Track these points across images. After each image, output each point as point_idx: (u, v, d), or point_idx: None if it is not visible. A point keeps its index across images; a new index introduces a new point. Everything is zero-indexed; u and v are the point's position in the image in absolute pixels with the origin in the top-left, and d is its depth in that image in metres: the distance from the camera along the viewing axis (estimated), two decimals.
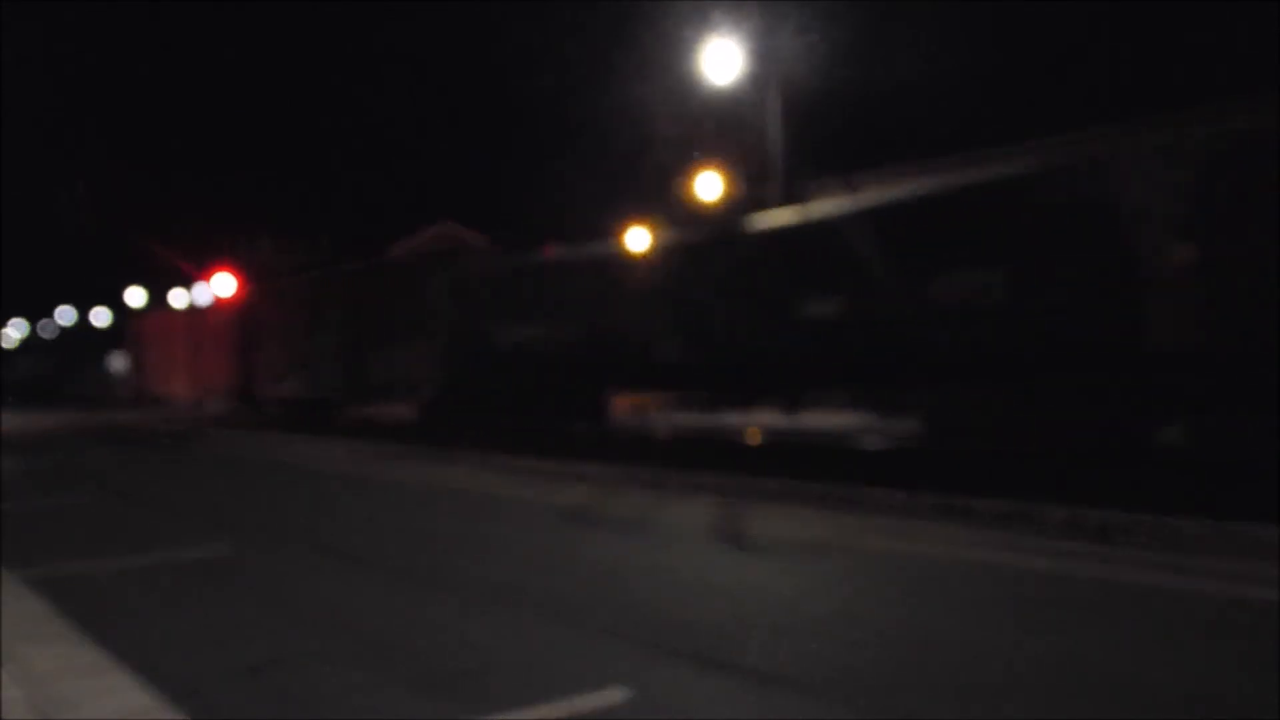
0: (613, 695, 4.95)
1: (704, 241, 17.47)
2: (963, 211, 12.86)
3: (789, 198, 26.00)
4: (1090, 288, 11.37)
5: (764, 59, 25.14)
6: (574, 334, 18.42)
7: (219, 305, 39.87)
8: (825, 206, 15.95)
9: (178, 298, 50.28)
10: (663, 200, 39.01)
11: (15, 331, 70.21)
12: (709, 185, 37.21)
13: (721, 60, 24.96)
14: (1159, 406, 11.02)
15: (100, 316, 65.82)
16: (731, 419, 18.80)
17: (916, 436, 13.77)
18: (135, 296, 64.96)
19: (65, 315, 76.17)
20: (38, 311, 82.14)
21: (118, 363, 51.02)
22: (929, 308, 12.61)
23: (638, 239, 19.48)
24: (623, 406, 20.99)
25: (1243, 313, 10.37)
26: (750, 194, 35.19)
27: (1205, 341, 10.65)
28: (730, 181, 37.19)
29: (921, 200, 14.11)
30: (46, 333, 70.64)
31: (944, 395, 13.04)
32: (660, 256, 17.62)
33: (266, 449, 21.79)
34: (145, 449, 23.74)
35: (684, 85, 28.42)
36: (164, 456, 21.60)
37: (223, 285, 41.40)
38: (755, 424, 18.52)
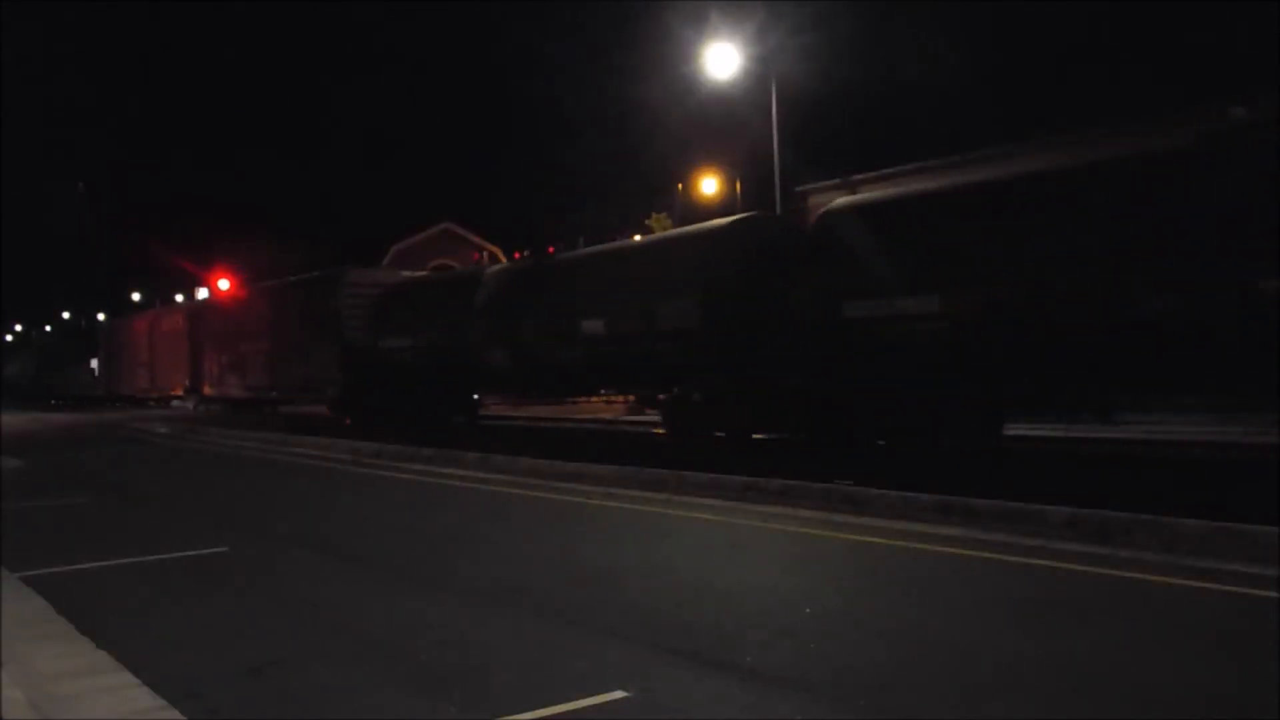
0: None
1: (521, 270, 21.88)
2: (668, 256, 17.60)
3: (787, 197, 26.06)
4: (756, 317, 15.12)
5: (762, 61, 25.16)
6: (441, 344, 22.16)
7: (174, 313, 44.39)
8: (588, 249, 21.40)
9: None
10: (661, 200, 39.10)
11: None
12: (707, 185, 37.31)
13: (720, 62, 25.00)
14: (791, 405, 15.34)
15: (79, 319, 66.82)
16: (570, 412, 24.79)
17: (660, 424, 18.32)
18: (132, 298, 65.46)
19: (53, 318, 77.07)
20: (37, 312, 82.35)
21: (94, 364, 53.77)
22: (655, 328, 16.38)
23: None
24: (488, 404, 25.89)
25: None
26: (748, 194, 35.23)
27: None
28: (727, 181, 37.28)
29: (645, 245, 19.65)
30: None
31: (683, 391, 17.45)
32: (494, 281, 21.51)
33: (233, 445, 21.82)
34: (129, 447, 23.76)
35: (683, 88, 28.44)
36: (148, 454, 21.59)
37: (217, 286, 43.18)
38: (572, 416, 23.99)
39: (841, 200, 15.63)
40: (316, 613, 7.00)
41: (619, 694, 4.97)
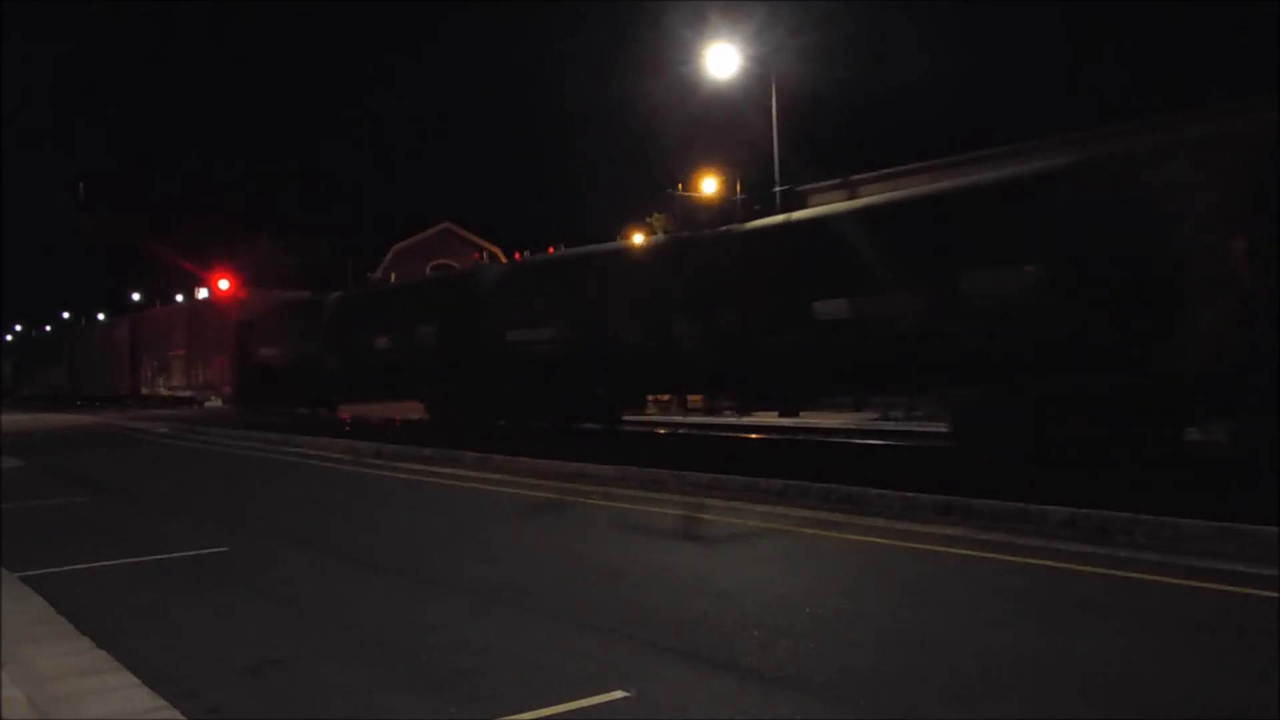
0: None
1: (346, 298, 29.07)
2: (425, 294, 25.29)
3: (787, 197, 26.06)
4: (466, 340, 21.37)
5: (762, 61, 25.15)
6: (298, 354, 28.76)
7: (121, 323, 53.81)
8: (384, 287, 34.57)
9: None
10: (662, 200, 39.07)
11: None
12: (707, 185, 37.28)
13: (720, 62, 24.99)
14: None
15: (77, 320, 69.05)
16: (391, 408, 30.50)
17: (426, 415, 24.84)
18: (132, 298, 66.13)
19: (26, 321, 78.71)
20: (37, 313, 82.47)
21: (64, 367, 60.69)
22: (414, 345, 23.16)
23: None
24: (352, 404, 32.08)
25: None
26: (748, 194, 35.18)
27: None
28: (728, 182, 37.25)
29: (413, 283, 29.57)
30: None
31: (433, 391, 23.80)
32: (332, 305, 27.98)
33: (233, 445, 21.83)
34: (128, 446, 23.76)
35: (683, 88, 28.43)
36: (148, 453, 21.59)
37: (225, 284, 46.28)
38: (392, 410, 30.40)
39: (511, 262, 23.74)
40: (317, 613, 7.00)
41: (619, 694, 4.97)
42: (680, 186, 39.34)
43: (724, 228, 17.52)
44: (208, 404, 39.55)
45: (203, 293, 50.11)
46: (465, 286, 23.02)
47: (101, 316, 66.45)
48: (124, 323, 52.99)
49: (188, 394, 41.06)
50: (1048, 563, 7.63)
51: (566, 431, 19.54)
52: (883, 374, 14.38)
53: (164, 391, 43.95)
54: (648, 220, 37.39)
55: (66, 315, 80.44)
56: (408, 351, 23.49)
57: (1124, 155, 12.03)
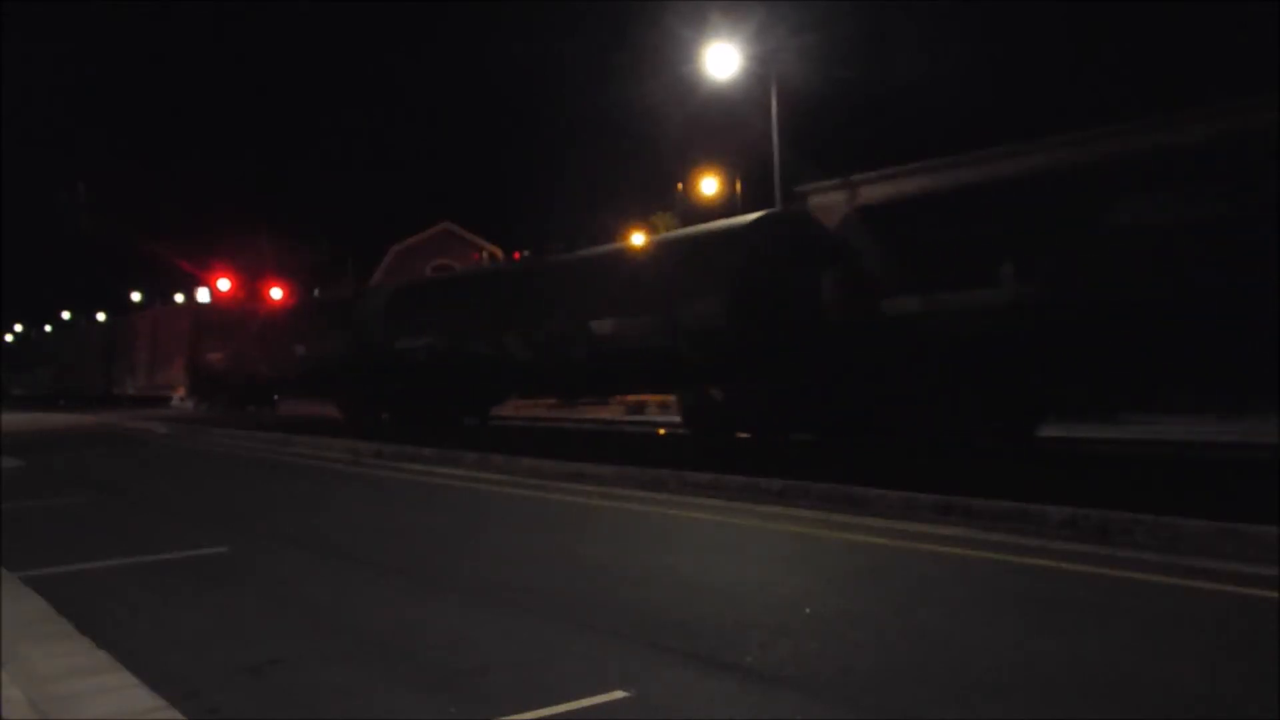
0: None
1: (283, 310, 33.87)
2: (338, 311, 28.91)
3: (787, 197, 26.05)
4: (363, 351, 25.69)
5: (762, 61, 25.12)
6: (240, 357, 32.77)
7: (96, 327, 60.96)
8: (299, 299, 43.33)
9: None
10: (662, 200, 39.08)
11: None
12: (707, 185, 37.27)
13: (720, 62, 24.96)
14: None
15: (80, 318, 71.60)
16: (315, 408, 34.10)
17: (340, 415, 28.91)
18: (132, 298, 66.79)
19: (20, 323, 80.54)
20: (37, 313, 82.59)
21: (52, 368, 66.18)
22: (328, 352, 27.17)
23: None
24: (285, 401, 36.52)
25: None
26: (748, 194, 35.16)
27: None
28: (727, 182, 37.23)
29: (325, 300, 34.31)
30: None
31: (340, 392, 28.54)
32: (269, 314, 32.77)
33: (233, 445, 21.84)
34: (128, 446, 23.76)
35: (683, 88, 28.44)
36: (148, 454, 21.60)
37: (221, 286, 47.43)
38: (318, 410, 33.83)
39: (397, 283, 28.68)
40: (316, 613, 7.00)
41: (619, 694, 4.97)
42: (681, 186, 39.36)
43: (544, 258, 23.74)
44: (173, 403, 44.05)
45: (203, 292, 50.52)
46: (363, 302, 27.52)
47: (101, 317, 66.51)
48: (100, 326, 59.78)
49: (164, 394, 45.55)
50: (1048, 563, 7.62)
51: (447, 423, 23.81)
52: (641, 377, 18.99)
53: (131, 391, 49.18)
54: (651, 219, 37.42)
55: (67, 315, 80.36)
56: (320, 358, 27.74)
57: (761, 219, 16.51)
